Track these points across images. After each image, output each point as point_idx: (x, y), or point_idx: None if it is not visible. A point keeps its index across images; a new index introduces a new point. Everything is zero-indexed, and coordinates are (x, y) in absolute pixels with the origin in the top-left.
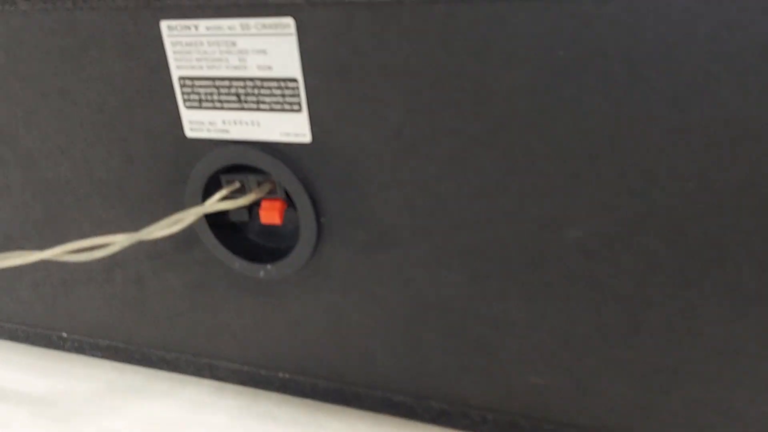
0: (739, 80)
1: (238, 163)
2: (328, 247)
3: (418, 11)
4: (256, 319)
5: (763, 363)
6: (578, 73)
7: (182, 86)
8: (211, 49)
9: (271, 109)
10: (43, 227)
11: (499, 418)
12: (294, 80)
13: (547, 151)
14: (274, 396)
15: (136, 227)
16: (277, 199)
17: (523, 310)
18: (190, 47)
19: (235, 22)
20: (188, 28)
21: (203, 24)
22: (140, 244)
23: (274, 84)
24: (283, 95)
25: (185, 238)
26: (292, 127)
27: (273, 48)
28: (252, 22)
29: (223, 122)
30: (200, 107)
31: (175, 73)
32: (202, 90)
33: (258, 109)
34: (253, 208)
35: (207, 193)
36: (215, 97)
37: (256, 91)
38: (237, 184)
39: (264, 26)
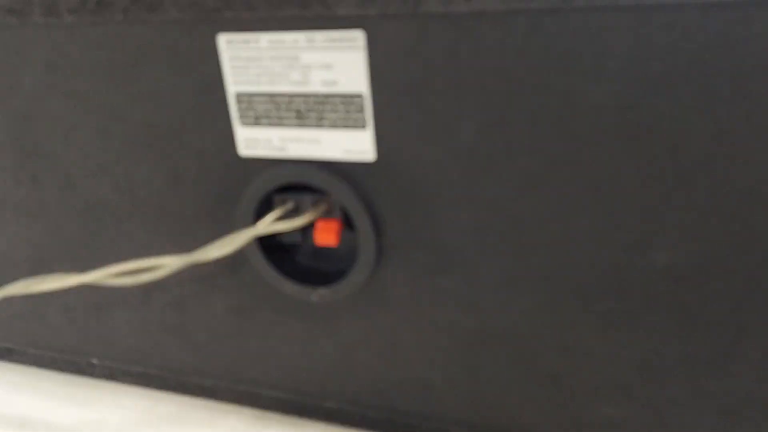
0: None
1: (295, 182)
2: (387, 270)
3: (499, 23)
4: (304, 345)
5: None
6: (675, 87)
7: (238, 102)
8: (272, 63)
9: (334, 126)
10: (78, 249)
11: None
12: (359, 96)
13: (635, 169)
14: (320, 426)
15: (178, 249)
16: (333, 220)
17: (600, 338)
18: (249, 62)
19: (300, 36)
20: (248, 42)
21: (265, 38)
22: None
23: (339, 100)
24: (347, 111)
25: (232, 260)
26: (355, 145)
27: (339, 62)
28: (318, 35)
29: (281, 140)
30: (256, 124)
31: (231, 89)
32: (259, 106)
33: (319, 126)
34: (306, 228)
35: (257, 214)
36: (273, 114)
37: (318, 107)
38: (290, 205)
39: (331, 40)
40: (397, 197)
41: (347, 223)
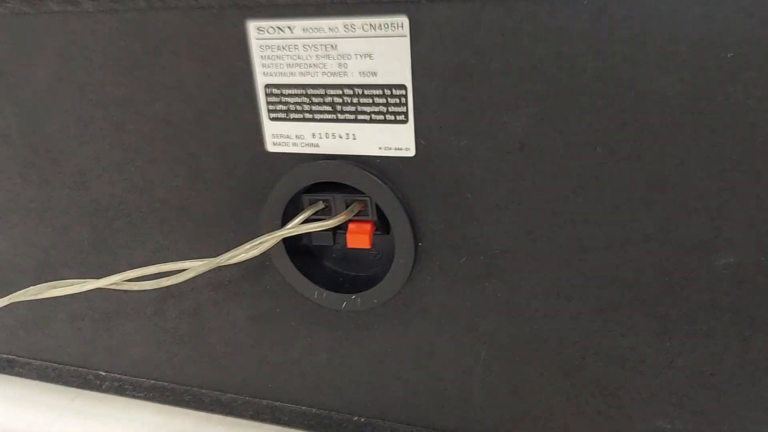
0: None
1: (328, 180)
2: (424, 275)
3: (562, 8)
4: (331, 355)
5: None
6: (750, 76)
7: (268, 95)
8: (307, 53)
9: (372, 120)
10: (88, 254)
11: None
12: (402, 87)
13: (703, 164)
14: None
15: (196, 253)
16: (366, 221)
17: (655, 345)
18: (282, 51)
19: (338, 23)
20: (281, 29)
21: (299, 25)
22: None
23: (378, 92)
24: (386, 104)
25: (254, 265)
26: (395, 140)
27: (380, 51)
28: (358, 21)
29: (313, 135)
30: (287, 119)
31: (261, 81)
32: (291, 99)
33: (356, 121)
34: (336, 231)
35: (285, 216)
36: (306, 108)
37: (355, 100)
38: (321, 205)
39: (372, 26)
40: (437, 196)
41: (381, 225)
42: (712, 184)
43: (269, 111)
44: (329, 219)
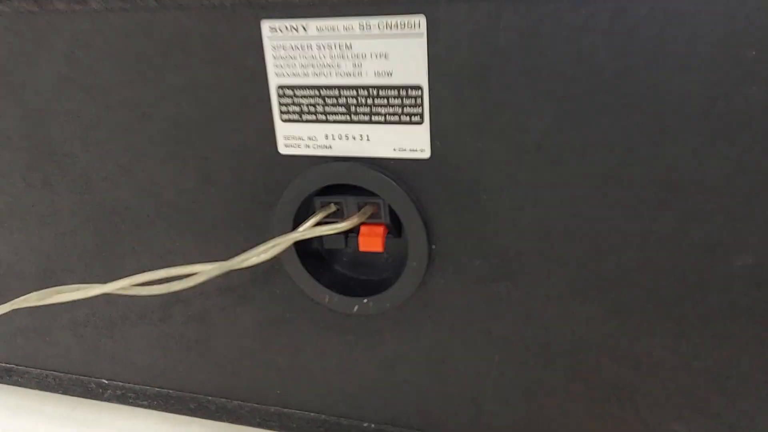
0: None
1: (341, 182)
2: (438, 278)
3: (581, 7)
4: (341, 361)
5: None
6: None
7: (280, 96)
8: (321, 53)
9: (386, 122)
10: (91, 259)
11: None
12: (418, 87)
13: (722, 164)
14: None
15: (205, 257)
16: (379, 224)
17: (672, 347)
18: (295, 51)
19: (353, 22)
20: (295, 29)
21: (314, 24)
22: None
23: (393, 93)
24: (401, 105)
25: (263, 268)
26: (409, 142)
27: (396, 51)
28: (374, 21)
29: (326, 137)
30: (300, 120)
31: (273, 82)
32: (304, 100)
33: (370, 122)
34: (348, 234)
35: (296, 219)
36: (319, 109)
37: (369, 101)
38: (333, 207)
39: (388, 26)
40: (452, 198)
41: (393, 228)
42: (730, 185)
43: (281, 112)
44: (341, 222)
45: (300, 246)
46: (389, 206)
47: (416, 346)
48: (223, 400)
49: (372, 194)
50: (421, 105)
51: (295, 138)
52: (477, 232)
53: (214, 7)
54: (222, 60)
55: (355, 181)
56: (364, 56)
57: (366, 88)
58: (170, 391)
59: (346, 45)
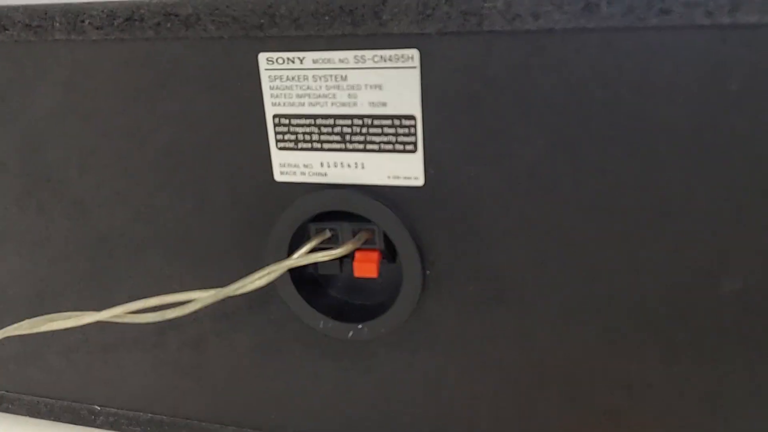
0: None
1: (336, 209)
2: (432, 304)
3: (569, 41)
4: (336, 386)
5: None
6: (754, 106)
7: (276, 125)
8: (317, 84)
9: (381, 150)
10: (85, 285)
11: None
12: (411, 117)
13: (710, 191)
14: None
15: (200, 283)
16: (373, 250)
17: (663, 371)
18: (291, 82)
19: (349, 55)
20: (291, 60)
21: (310, 56)
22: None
23: (387, 122)
24: (395, 134)
25: (258, 294)
26: (403, 169)
27: (390, 82)
28: (369, 54)
29: (322, 164)
30: (296, 148)
31: (270, 111)
32: (299, 129)
33: (365, 150)
34: (343, 260)
35: (291, 245)
36: (315, 137)
37: (364, 129)
38: (328, 234)
39: (382, 59)
40: (446, 224)
41: (387, 253)
42: (719, 211)
43: (277, 140)
44: (336, 248)
45: (295, 272)
46: (384, 232)
47: (411, 370)
48: (217, 425)
49: (366, 220)
50: (415, 134)
51: (290, 165)
52: (471, 257)
53: (212, 38)
54: (219, 89)
55: (350, 208)
56: (358, 87)
57: (361, 117)
58: (164, 417)
59: (341, 76)
